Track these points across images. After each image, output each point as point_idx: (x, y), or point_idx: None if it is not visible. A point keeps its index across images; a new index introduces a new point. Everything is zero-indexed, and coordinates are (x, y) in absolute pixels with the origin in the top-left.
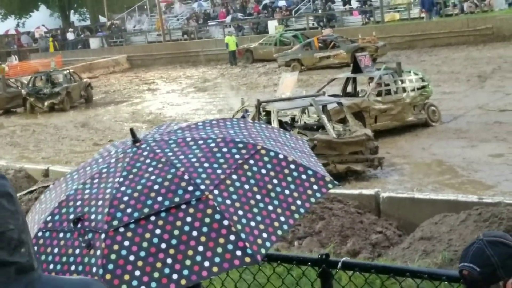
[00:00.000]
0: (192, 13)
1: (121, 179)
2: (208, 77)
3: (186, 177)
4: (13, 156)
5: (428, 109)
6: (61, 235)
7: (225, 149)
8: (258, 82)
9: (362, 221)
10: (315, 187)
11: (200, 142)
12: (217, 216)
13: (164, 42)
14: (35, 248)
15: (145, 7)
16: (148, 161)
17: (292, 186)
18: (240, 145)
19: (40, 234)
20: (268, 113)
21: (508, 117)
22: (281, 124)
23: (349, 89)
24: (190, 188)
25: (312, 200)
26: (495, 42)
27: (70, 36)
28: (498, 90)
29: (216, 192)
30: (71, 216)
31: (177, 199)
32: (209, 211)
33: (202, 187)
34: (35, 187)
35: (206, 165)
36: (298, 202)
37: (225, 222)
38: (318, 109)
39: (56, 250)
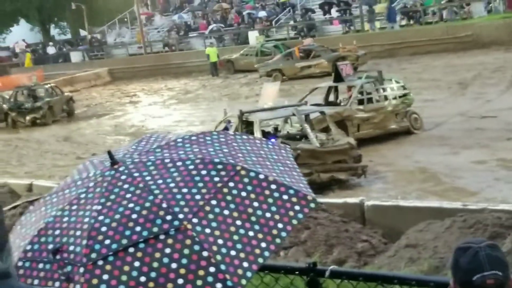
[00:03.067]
0: (172, 25)
1: (99, 207)
2: (190, 88)
3: (164, 205)
4: None
5: (410, 116)
6: (41, 266)
7: (204, 172)
8: (240, 93)
9: (347, 230)
10: (297, 207)
11: (179, 164)
12: (196, 247)
13: (145, 55)
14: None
15: (125, 19)
16: (126, 186)
17: (273, 209)
18: (220, 167)
19: (20, 263)
20: (250, 123)
21: (490, 124)
22: (264, 134)
23: (331, 98)
24: (169, 217)
25: (294, 222)
26: (475, 49)
27: (51, 50)
28: (479, 96)
29: (195, 220)
30: (50, 246)
31: (155, 229)
32: (188, 241)
33: (181, 216)
34: (19, 202)
35: (184, 190)
36: (280, 225)
37: (205, 253)
38: (300, 118)
39: (36, 281)
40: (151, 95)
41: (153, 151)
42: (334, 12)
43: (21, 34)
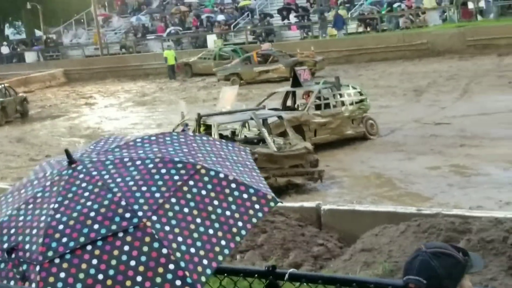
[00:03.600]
0: (130, 27)
1: (56, 205)
2: (147, 91)
3: (123, 203)
4: None
5: (366, 122)
6: None
7: (163, 171)
8: (198, 96)
9: (304, 234)
10: (256, 206)
11: (138, 162)
12: (156, 244)
13: (101, 56)
14: None
15: (82, 20)
16: (84, 184)
17: (233, 207)
18: (179, 165)
19: None
20: (208, 127)
21: (444, 130)
22: (222, 137)
23: (289, 103)
24: (128, 215)
25: (254, 220)
26: (430, 57)
27: (5, 50)
28: (433, 104)
29: (154, 218)
30: (5, 245)
31: (114, 227)
32: (147, 239)
33: (140, 213)
34: None
35: (144, 188)
36: (240, 223)
37: (164, 251)
38: (258, 122)
39: None
40: (107, 97)
41: (111, 151)
42: (292, 18)
43: None
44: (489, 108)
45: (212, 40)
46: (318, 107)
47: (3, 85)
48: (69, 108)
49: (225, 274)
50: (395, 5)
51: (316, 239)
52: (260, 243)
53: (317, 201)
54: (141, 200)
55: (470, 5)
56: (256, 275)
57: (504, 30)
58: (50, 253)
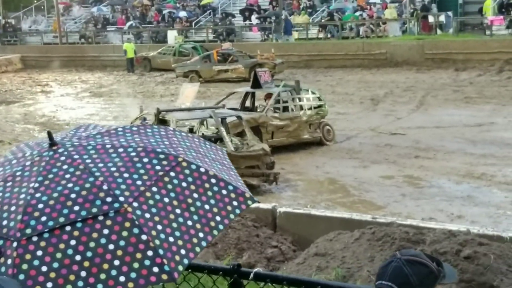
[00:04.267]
0: (90, 17)
1: (36, 185)
2: (104, 82)
3: (105, 187)
4: None
5: (323, 128)
6: None
7: (145, 159)
8: (155, 91)
9: (258, 235)
10: (235, 203)
11: (120, 150)
12: (135, 230)
13: (60, 45)
14: None
15: (42, 7)
16: (65, 167)
17: (212, 201)
18: (162, 156)
19: None
20: (166, 122)
21: (398, 140)
22: None
23: (248, 103)
24: (109, 199)
25: (231, 216)
26: (388, 67)
27: None
28: (389, 113)
29: (135, 204)
30: None
31: (94, 210)
32: (127, 224)
33: (121, 198)
34: None
35: (126, 175)
36: (218, 218)
37: (143, 237)
38: (217, 121)
39: None
40: (64, 86)
41: (93, 137)
42: (254, 19)
43: None
44: (444, 121)
45: (172, 36)
46: (276, 109)
47: None
48: (24, 95)
49: (189, 270)
50: (356, 14)
51: (271, 241)
52: (214, 242)
53: (273, 203)
54: (123, 186)
55: (431, 19)
56: (220, 273)
57: (462, 45)
58: (28, 231)
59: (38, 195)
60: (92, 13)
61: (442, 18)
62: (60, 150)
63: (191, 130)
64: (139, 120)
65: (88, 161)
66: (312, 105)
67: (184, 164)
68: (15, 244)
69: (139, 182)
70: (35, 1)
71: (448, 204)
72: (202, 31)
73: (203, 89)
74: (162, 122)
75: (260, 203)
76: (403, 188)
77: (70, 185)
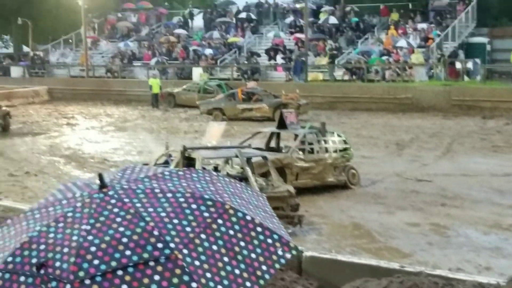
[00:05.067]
0: (117, 52)
1: (88, 227)
2: (129, 117)
3: (155, 232)
4: None
5: (348, 171)
6: (22, 279)
7: (194, 206)
8: (179, 127)
9: (284, 278)
10: (280, 252)
11: (169, 195)
12: (186, 278)
13: (87, 78)
14: None
15: (70, 41)
16: (116, 210)
17: (259, 250)
18: (209, 203)
19: None
20: (191, 160)
21: (425, 187)
22: None
23: (273, 144)
24: (160, 245)
25: (277, 266)
26: (413, 112)
27: None
28: (415, 159)
29: (185, 251)
30: (34, 260)
31: (145, 255)
32: (177, 271)
33: (172, 245)
34: None
35: (175, 221)
36: (264, 267)
37: (193, 285)
38: (243, 160)
39: None
40: (89, 119)
41: (141, 180)
42: (279, 59)
43: None
44: (471, 169)
45: (197, 73)
46: (301, 151)
47: None
48: (50, 127)
49: None
50: (383, 58)
51: (296, 285)
52: None
53: (299, 247)
54: (173, 232)
55: (458, 65)
56: None
57: (490, 93)
58: (81, 273)
59: (90, 237)
60: (119, 48)
61: (469, 64)
62: (110, 193)
63: (215, 169)
64: (165, 156)
65: (138, 205)
66: (338, 148)
67: (231, 211)
68: (68, 286)
69: (188, 229)
70: (64, 35)
71: (476, 255)
72: (227, 69)
73: (227, 127)
74: (188, 159)
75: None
76: (430, 236)
77: (121, 229)
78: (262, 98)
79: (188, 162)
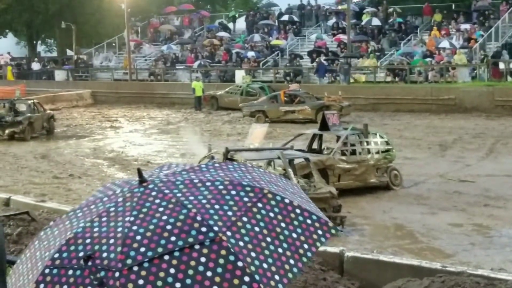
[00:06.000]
0: (160, 55)
1: (132, 218)
2: (172, 120)
3: (198, 218)
4: None
5: (390, 172)
6: (71, 272)
7: (233, 192)
8: (222, 130)
9: (325, 279)
10: (319, 232)
11: (208, 184)
12: (231, 258)
13: (130, 81)
14: (42, 285)
15: (113, 44)
16: (157, 201)
17: (299, 230)
18: (248, 189)
19: (47, 271)
20: (233, 162)
21: (468, 188)
22: None
23: (315, 145)
24: (204, 229)
25: (318, 244)
26: (456, 113)
27: (35, 66)
28: (458, 160)
29: (229, 233)
30: (81, 254)
31: (190, 240)
32: (223, 252)
33: (216, 228)
34: None
35: (216, 206)
36: (305, 246)
37: (239, 264)
38: (285, 162)
39: (65, 287)
40: (132, 122)
41: (179, 173)
42: (321, 61)
43: (6, 47)
44: None
45: (240, 75)
46: (344, 152)
47: (32, 101)
48: (94, 130)
49: None
50: (426, 59)
51: (338, 285)
52: None
53: (340, 247)
54: (216, 217)
55: (501, 66)
56: None
57: None
58: (129, 261)
59: (134, 227)
60: (162, 51)
61: None
62: (150, 186)
63: None
64: (207, 158)
65: (179, 195)
66: (380, 149)
67: (270, 195)
68: (117, 274)
69: (230, 213)
70: (107, 38)
71: None
72: (269, 71)
73: (269, 129)
74: (230, 161)
75: (326, 247)
76: (472, 236)
77: (164, 217)
78: (305, 100)
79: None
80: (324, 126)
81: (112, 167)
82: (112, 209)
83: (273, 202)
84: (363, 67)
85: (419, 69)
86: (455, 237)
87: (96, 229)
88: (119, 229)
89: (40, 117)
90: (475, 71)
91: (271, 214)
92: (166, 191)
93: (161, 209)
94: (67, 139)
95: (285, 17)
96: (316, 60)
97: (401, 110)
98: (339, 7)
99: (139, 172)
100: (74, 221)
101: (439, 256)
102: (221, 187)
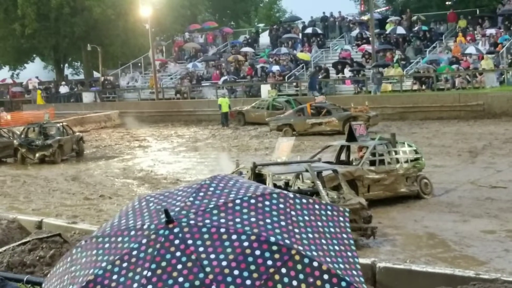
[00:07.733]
0: (186, 73)
1: (149, 274)
2: (200, 137)
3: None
4: (3, 206)
5: (420, 181)
6: None
7: (257, 252)
8: (250, 145)
9: None
10: None
11: (234, 237)
12: None
13: (156, 100)
14: None
15: (139, 64)
16: (178, 254)
17: None
18: (274, 248)
19: None
20: (261, 176)
21: (499, 194)
22: (275, 188)
23: (343, 157)
24: None
25: None
26: (485, 119)
27: (63, 89)
28: (489, 166)
29: None
30: None
31: None
32: None
33: None
34: (29, 239)
35: (235, 272)
36: None
37: None
38: (313, 175)
39: None
40: (160, 141)
41: (209, 212)
42: (347, 72)
43: (34, 71)
44: None
45: (266, 89)
46: (372, 163)
47: (61, 124)
48: (123, 150)
49: None
50: (452, 66)
51: None
52: None
53: (372, 258)
54: (232, 287)
55: None
56: None
57: None
58: None
59: (149, 287)
60: (187, 69)
61: None
62: (175, 230)
63: (286, 184)
64: (236, 174)
65: (201, 249)
66: (409, 158)
67: (297, 257)
68: None
69: (248, 282)
70: (132, 59)
71: None
72: (293, 85)
73: (297, 143)
74: (258, 176)
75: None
76: (506, 243)
77: (180, 279)
78: (331, 112)
79: (259, 178)
80: (352, 137)
81: (142, 186)
82: (134, 252)
83: (299, 267)
84: (389, 76)
85: (445, 76)
86: (489, 244)
87: (114, 277)
88: (135, 285)
89: (69, 139)
90: (503, 76)
91: (294, 283)
92: (189, 242)
93: (179, 266)
94: (96, 160)
95: (309, 30)
96: (308, 73)
97: (429, 118)
98: (363, 17)
99: (166, 213)
100: (100, 254)
101: (473, 263)
102: (246, 243)
